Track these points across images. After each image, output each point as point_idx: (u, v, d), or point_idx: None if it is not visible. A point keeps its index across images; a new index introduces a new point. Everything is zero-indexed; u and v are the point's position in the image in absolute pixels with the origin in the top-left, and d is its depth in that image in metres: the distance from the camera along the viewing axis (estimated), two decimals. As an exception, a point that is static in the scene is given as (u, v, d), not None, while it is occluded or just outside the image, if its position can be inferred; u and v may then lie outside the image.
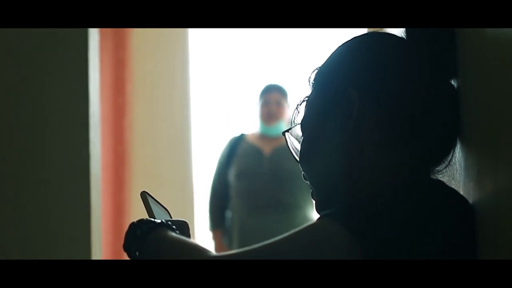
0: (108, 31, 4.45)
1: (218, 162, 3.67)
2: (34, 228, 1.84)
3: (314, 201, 1.02)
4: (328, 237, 0.81)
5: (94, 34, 1.92)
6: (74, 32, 1.86)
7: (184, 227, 1.00)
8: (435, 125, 0.93)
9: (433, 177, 0.96)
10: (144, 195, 1.01)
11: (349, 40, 1.01)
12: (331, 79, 0.99)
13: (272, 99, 3.61)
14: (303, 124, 1.01)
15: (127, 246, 0.90)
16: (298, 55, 4.61)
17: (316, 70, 1.02)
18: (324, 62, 1.02)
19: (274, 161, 3.45)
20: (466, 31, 0.88)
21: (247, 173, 3.46)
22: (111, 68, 4.48)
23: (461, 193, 0.93)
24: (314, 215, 3.15)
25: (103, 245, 2.01)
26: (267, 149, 3.53)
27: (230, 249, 3.37)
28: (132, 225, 0.92)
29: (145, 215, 0.98)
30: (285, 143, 1.05)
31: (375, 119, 0.93)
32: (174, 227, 0.93)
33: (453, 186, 0.95)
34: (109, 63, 4.46)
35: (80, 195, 1.84)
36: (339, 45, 1.01)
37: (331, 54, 1.01)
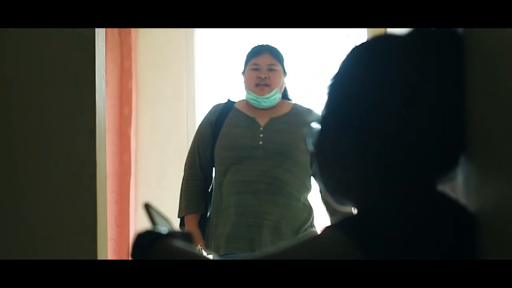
0: (115, 41, 4.48)
1: (199, 133, 3.04)
2: (40, 236, 1.85)
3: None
4: (334, 248, 0.82)
5: (100, 44, 1.94)
6: (80, 41, 1.88)
7: (188, 238, 1.01)
8: (441, 136, 0.92)
9: (441, 186, 0.96)
10: (147, 207, 1.02)
11: (351, 51, 1.01)
12: (330, 89, 0.99)
13: (263, 63, 2.95)
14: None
15: (134, 255, 0.92)
16: (304, 56, 4.63)
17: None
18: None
19: (271, 132, 2.88)
20: (472, 33, 0.88)
21: (239, 145, 2.85)
22: (117, 78, 4.51)
23: (463, 202, 0.93)
24: (314, 198, 2.90)
25: (109, 253, 2.02)
26: (262, 118, 2.93)
27: (209, 236, 2.84)
28: (139, 235, 0.93)
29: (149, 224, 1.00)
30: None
31: (374, 130, 0.93)
32: (179, 237, 0.94)
33: (454, 196, 0.95)
34: (115, 73, 4.49)
35: (86, 203, 1.85)
36: (347, 54, 1.01)
37: (341, 63, 1.01)
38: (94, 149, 1.85)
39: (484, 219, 0.84)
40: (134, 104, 4.50)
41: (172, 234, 0.94)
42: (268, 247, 2.67)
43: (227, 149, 2.88)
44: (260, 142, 2.84)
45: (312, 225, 2.86)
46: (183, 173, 3.03)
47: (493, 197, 0.79)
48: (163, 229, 0.96)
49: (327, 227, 0.85)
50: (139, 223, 4.33)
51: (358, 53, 0.99)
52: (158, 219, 1.02)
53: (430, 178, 0.94)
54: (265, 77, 2.92)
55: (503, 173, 0.75)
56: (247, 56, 3.03)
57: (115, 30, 4.52)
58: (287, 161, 2.82)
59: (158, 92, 4.55)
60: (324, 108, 1.00)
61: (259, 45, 3.04)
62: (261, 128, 2.89)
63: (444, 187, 0.96)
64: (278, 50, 3.01)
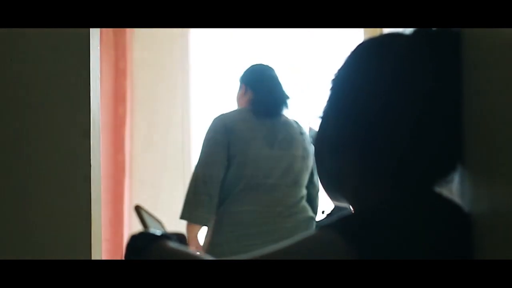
0: (110, 41, 4.47)
1: (215, 141, 2.86)
2: (33, 237, 1.84)
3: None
4: (329, 249, 0.82)
5: (95, 44, 1.93)
6: (75, 41, 1.88)
7: (182, 240, 1.00)
8: (438, 139, 0.92)
9: (438, 187, 0.96)
10: (138, 209, 1.01)
11: (357, 47, 1.00)
12: (333, 83, 0.99)
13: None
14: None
15: (128, 257, 0.91)
16: (299, 55, 4.63)
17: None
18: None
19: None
20: (470, 47, 0.88)
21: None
22: (112, 78, 4.50)
23: (459, 202, 0.93)
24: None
25: (103, 254, 2.01)
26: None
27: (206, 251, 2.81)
28: (133, 237, 0.92)
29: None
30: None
31: (372, 134, 0.93)
32: (173, 239, 0.93)
33: (451, 196, 0.95)
34: (110, 73, 4.48)
35: (80, 204, 1.85)
36: (353, 49, 1.00)
37: (346, 58, 1.01)
38: (89, 149, 1.85)
39: (479, 220, 0.84)
40: (129, 104, 4.49)
41: (166, 235, 0.93)
42: None
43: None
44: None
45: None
46: (195, 172, 2.86)
47: (489, 199, 0.79)
48: (156, 231, 0.95)
49: (323, 228, 0.85)
50: (133, 223, 4.32)
51: (363, 49, 0.98)
52: (149, 221, 1.01)
53: (428, 179, 0.94)
54: None
55: (499, 176, 0.75)
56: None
57: (110, 30, 4.51)
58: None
59: (153, 92, 4.54)
60: (326, 102, 1.00)
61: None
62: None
63: (441, 190, 0.96)
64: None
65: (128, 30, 4.53)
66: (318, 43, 4.62)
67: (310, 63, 4.64)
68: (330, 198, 1.03)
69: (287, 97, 3.00)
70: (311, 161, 2.90)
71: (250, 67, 3.08)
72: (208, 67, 4.67)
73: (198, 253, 0.90)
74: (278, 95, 2.98)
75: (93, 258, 1.82)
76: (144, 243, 0.91)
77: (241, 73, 3.09)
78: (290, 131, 2.91)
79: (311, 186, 2.98)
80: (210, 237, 2.82)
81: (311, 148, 2.87)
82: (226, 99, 4.61)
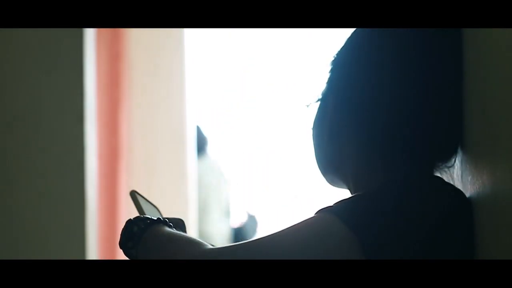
0: (104, 24, 4.44)
1: None
2: (29, 221, 1.84)
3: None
4: (327, 231, 0.81)
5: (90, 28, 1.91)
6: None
7: (180, 225, 0.99)
8: (439, 123, 0.91)
9: (438, 173, 0.95)
10: (134, 194, 0.99)
11: (354, 31, 0.99)
12: (333, 65, 0.98)
13: None
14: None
15: (124, 243, 0.90)
16: (295, 55, 4.63)
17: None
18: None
19: None
20: (471, 31, 0.87)
21: None
22: (107, 61, 4.47)
23: (459, 187, 0.93)
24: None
25: (98, 239, 2.01)
26: None
27: None
28: (129, 222, 0.91)
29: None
30: None
31: (373, 116, 0.92)
32: (170, 224, 0.93)
33: (451, 182, 0.95)
34: (105, 57, 4.45)
35: (75, 188, 1.84)
36: (353, 31, 0.99)
37: (346, 39, 1.00)
38: (84, 133, 1.84)
39: (479, 205, 0.84)
40: (124, 88, 4.47)
41: (163, 220, 0.92)
42: None
43: None
44: None
45: None
46: None
47: (489, 185, 0.79)
48: (153, 216, 0.94)
49: (322, 211, 0.84)
50: (130, 208, 4.32)
51: (364, 31, 0.97)
52: (145, 206, 1.00)
53: (427, 163, 0.94)
54: None
55: (500, 161, 0.74)
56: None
57: (105, 13, 4.48)
58: None
59: (149, 75, 4.53)
60: (325, 84, 0.99)
61: None
62: None
63: (441, 174, 0.95)
64: None
65: (123, 13, 4.51)
66: (316, 43, 4.61)
67: (308, 63, 4.63)
68: (328, 182, 1.03)
69: None
70: None
71: None
72: (205, 50, 4.66)
73: (193, 236, 0.90)
74: None
75: (88, 243, 1.82)
76: (141, 228, 0.90)
77: None
78: None
79: None
80: None
81: None
82: (223, 81, 4.63)
